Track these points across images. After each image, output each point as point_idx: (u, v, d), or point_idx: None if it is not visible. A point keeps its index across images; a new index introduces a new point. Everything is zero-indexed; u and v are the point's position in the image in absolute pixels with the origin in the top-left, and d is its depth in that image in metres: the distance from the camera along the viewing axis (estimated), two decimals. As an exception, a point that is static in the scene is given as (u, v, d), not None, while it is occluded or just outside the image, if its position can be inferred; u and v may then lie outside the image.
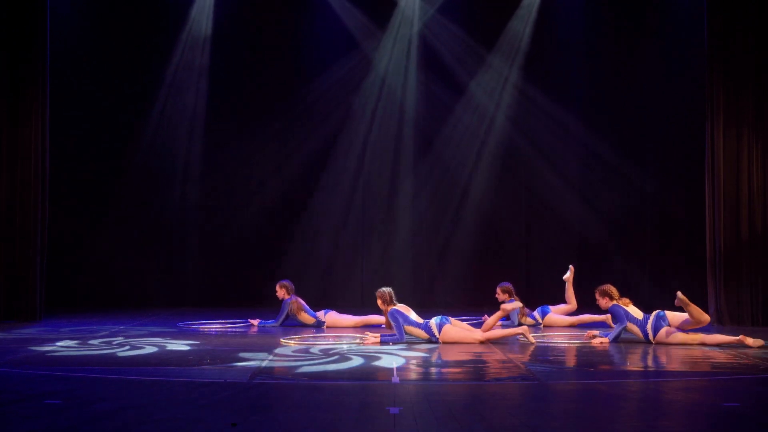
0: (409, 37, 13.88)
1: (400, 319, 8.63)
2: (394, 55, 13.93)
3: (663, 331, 8.57)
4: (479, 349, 8.18)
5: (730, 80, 11.02)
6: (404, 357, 7.62)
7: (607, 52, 13.71)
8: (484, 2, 14.11)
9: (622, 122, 13.71)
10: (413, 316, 8.75)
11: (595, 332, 8.98)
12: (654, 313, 8.73)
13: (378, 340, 8.57)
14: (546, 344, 8.76)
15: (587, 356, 8.08)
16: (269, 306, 13.30)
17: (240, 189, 13.94)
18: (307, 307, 10.63)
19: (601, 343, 8.63)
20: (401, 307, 8.78)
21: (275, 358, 7.54)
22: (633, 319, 8.71)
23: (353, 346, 8.38)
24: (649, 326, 8.63)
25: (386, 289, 8.92)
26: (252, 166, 13.94)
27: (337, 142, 13.93)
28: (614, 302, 8.81)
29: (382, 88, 13.96)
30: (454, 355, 7.89)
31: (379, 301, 8.90)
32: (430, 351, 8.07)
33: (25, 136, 10.94)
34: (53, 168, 11.63)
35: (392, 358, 7.49)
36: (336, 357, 7.64)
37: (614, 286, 9.02)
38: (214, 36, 13.77)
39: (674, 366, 7.31)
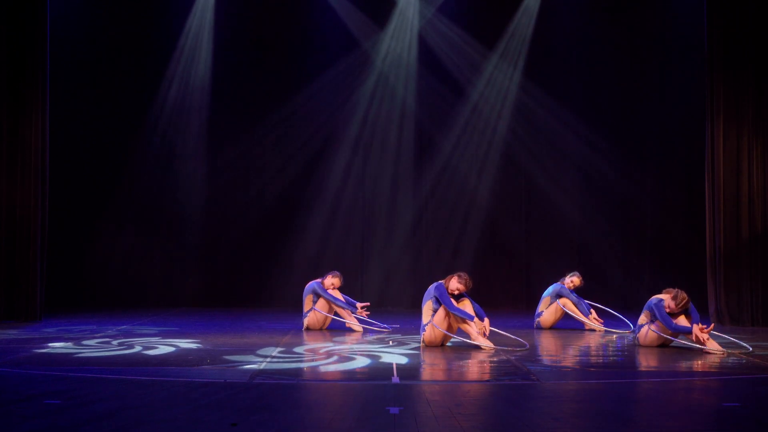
0: (408, 36, 13.88)
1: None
2: (394, 54, 13.93)
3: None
4: (479, 349, 8.17)
5: (730, 80, 11.02)
6: (405, 357, 7.62)
7: (608, 53, 13.72)
8: (485, 3, 14.12)
9: (623, 122, 13.73)
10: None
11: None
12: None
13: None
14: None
15: (587, 356, 8.09)
16: (269, 306, 13.34)
17: (240, 189, 13.94)
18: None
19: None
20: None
21: (275, 358, 7.53)
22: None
23: (353, 346, 8.39)
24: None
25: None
26: (252, 166, 13.95)
27: (337, 142, 13.93)
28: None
29: (382, 88, 13.95)
30: (454, 355, 7.89)
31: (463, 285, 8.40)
32: (429, 351, 8.08)
33: (25, 137, 10.93)
34: (53, 168, 11.63)
35: (392, 358, 7.50)
36: (336, 357, 7.64)
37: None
38: (215, 36, 13.79)
39: (674, 366, 7.30)
